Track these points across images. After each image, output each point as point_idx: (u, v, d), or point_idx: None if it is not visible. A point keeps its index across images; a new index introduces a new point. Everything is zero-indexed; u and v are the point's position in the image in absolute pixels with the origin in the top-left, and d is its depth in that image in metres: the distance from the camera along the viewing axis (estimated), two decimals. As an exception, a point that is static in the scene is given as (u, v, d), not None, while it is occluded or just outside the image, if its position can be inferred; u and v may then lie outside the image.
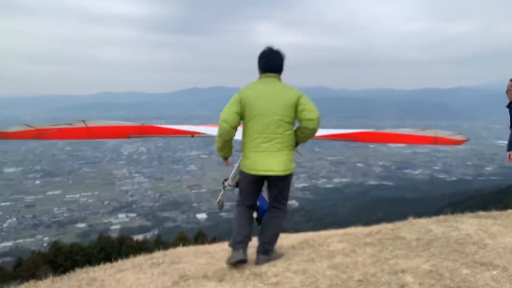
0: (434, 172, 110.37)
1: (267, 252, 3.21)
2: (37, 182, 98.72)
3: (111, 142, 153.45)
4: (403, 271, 2.49)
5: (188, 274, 3.15)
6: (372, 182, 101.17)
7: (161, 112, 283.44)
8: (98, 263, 5.76)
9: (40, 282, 4.69)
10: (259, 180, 3.22)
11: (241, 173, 3.31)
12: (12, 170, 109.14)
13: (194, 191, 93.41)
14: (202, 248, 4.99)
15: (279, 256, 3.29)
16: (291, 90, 3.15)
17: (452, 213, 4.15)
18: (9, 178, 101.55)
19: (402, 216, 4.81)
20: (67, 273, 5.00)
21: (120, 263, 4.97)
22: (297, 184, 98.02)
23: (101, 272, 4.50)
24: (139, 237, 35.59)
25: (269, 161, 3.07)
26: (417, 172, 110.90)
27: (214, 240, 20.33)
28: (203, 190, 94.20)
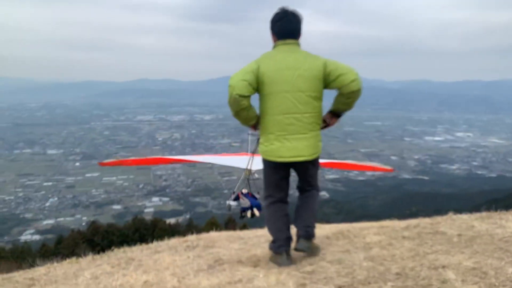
0: (472, 167, 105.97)
1: (310, 236, 2.87)
2: (77, 164, 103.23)
3: (147, 128, 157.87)
4: (444, 267, 2.41)
5: (223, 258, 3.20)
6: (406, 176, 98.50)
7: (194, 100, 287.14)
8: (133, 244, 5.98)
9: (81, 259, 4.92)
10: (286, 167, 2.84)
11: (263, 161, 2.89)
12: (54, 152, 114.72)
13: (225, 178, 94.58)
14: (235, 234, 5.04)
15: (318, 249, 2.97)
16: (316, 58, 2.72)
17: (495, 210, 3.96)
18: (51, 159, 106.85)
19: (437, 212, 4.65)
20: (106, 252, 5.22)
21: (156, 245, 5.12)
22: (328, 175, 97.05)
23: (138, 252, 4.66)
24: (172, 220, 36.61)
25: (297, 145, 2.69)
26: (454, 167, 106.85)
27: (244, 227, 20.58)
28: (233, 178, 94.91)
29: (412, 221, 3.78)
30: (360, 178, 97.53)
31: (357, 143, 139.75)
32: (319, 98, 2.74)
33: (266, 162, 2.86)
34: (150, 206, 74.60)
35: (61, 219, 66.99)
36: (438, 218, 3.76)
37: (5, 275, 4.64)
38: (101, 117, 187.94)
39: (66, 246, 24.99)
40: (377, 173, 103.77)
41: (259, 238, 4.06)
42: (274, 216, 2.89)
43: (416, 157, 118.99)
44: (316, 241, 3.40)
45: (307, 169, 2.87)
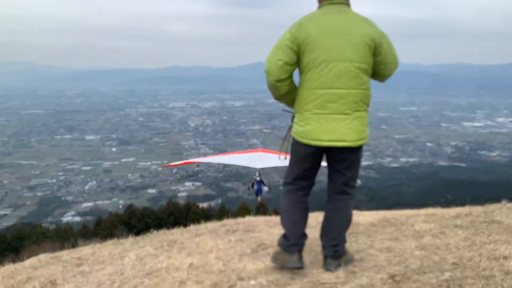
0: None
1: (338, 256, 2.38)
2: (113, 149, 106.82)
3: (179, 115, 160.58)
4: (505, 258, 2.25)
5: (266, 243, 3.16)
6: (442, 163, 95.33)
7: (226, 86, 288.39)
8: (168, 227, 6.08)
9: (123, 240, 5.05)
10: (320, 153, 2.32)
11: (294, 143, 2.37)
12: (92, 137, 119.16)
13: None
14: (273, 219, 5.00)
15: (350, 259, 2.46)
16: (371, 25, 2.24)
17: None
18: (89, 145, 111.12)
19: (474, 200, 4.43)
20: (146, 234, 5.33)
21: (195, 228, 5.17)
22: (361, 162, 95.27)
23: (179, 235, 4.72)
24: (204, 204, 37.38)
25: (338, 127, 2.20)
26: (494, 153, 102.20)
27: (276, 213, 20.64)
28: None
29: (463, 209, 3.59)
30: (394, 164, 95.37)
31: (391, 129, 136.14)
32: (368, 72, 2.26)
33: (297, 145, 2.35)
34: (183, 190, 76.37)
35: (99, 202, 69.87)
36: (491, 207, 3.55)
37: (52, 254, 4.83)
38: (135, 103, 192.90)
39: (104, 227, 26.09)
40: (412, 159, 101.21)
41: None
42: (291, 206, 2.43)
43: (453, 143, 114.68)
44: (361, 228, 3.30)
45: (346, 162, 2.33)
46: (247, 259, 2.75)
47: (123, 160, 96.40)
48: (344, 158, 2.32)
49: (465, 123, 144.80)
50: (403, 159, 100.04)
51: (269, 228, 4.03)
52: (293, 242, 2.38)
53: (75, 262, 3.73)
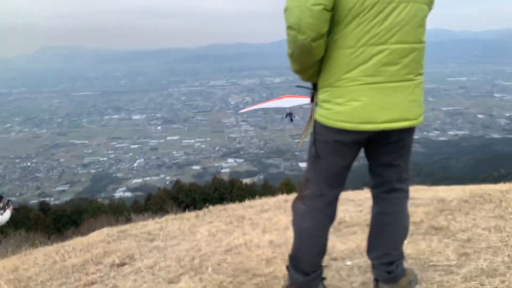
0: None
1: (394, 279, 1.69)
2: (159, 128, 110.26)
3: (220, 93, 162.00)
4: None
5: (347, 220, 2.96)
6: (495, 136, 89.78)
7: (265, 62, 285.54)
8: (214, 202, 6.01)
9: (186, 215, 5.05)
10: (364, 141, 1.58)
11: (323, 132, 1.58)
12: (138, 117, 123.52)
13: (296, 140, 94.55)
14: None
15: (413, 281, 1.76)
16: None
17: None
18: (136, 124, 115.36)
19: None
20: (208, 209, 5.30)
21: (257, 203, 5.06)
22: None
23: (242, 210, 4.63)
24: (247, 180, 37.81)
25: (400, 100, 1.51)
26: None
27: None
28: (305, 140, 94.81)
29: None
30: (442, 138, 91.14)
31: (438, 101, 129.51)
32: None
33: (329, 133, 1.55)
34: (226, 167, 77.72)
35: (148, 178, 72.88)
36: None
37: (117, 228, 4.92)
38: (177, 83, 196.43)
39: (154, 202, 27.16)
40: (461, 132, 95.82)
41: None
42: (317, 232, 1.67)
43: (507, 114, 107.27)
44: (453, 205, 2.99)
45: (400, 149, 1.65)
46: (333, 238, 2.55)
47: (168, 138, 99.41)
48: (399, 144, 1.63)
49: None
50: (451, 132, 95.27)
51: (340, 205, 3.81)
52: (308, 269, 1.67)
53: (146, 237, 3.73)
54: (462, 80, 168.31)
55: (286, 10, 1.45)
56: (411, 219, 2.75)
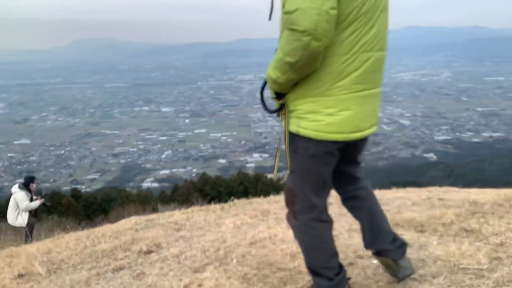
0: None
1: (405, 252, 1.76)
2: (187, 121, 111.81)
3: (247, 87, 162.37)
4: None
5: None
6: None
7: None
8: (238, 196, 6.01)
9: (212, 207, 5.11)
10: (343, 148, 1.56)
11: (307, 145, 1.52)
12: (167, 109, 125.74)
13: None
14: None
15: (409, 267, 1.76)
16: None
17: None
18: (165, 116, 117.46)
19: None
20: (233, 202, 5.34)
21: (282, 199, 5.06)
22: (438, 136, 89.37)
23: (267, 205, 4.64)
24: (272, 175, 37.77)
25: (376, 106, 1.58)
26: None
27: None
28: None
29: None
30: (475, 139, 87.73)
31: (473, 101, 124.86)
32: None
33: (316, 146, 1.50)
34: (251, 161, 77.92)
35: (175, 170, 74.14)
36: None
37: (145, 217, 5.04)
38: (206, 77, 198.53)
39: (181, 193, 27.64)
40: (496, 134, 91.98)
41: (401, 200, 3.67)
42: (322, 239, 1.62)
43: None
44: (486, 208, 2.89)
45: (364, 146, 1.71)
46: (358, 235, 2.53)
47: (196, 131, 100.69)
48: (365, 143, 1.68)
49: None
50: (485, 134, 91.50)
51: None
52: (339, 278, 1.63)
53: (173, 226, 3.81)
54: (500, 80, 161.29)
55: (296, 11, 1.29)
56: (441, 220, 2.69)
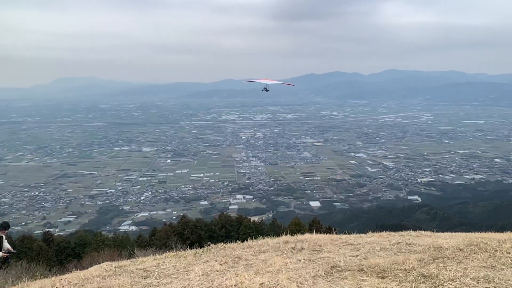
0: None
1: None
2: (168, 161, 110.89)
3: (231, 127, 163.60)
4: None
5: (340, 265, 2.95)
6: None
7: (278, 98, 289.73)
8: (220, 240, 5.94)
9: (185, 253, 5.03)
10: None
11: None
12: (148, 149, 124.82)
13: (307, 178, 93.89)
14: (337, 237, 4.75)
15: None
16: None
17: None
18: (146, 156, 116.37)
19: None
20: (207, 248, 5.28)
21: (257, 244, 5.05)
22: (421, 178, 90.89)
23: (240, 250, 4.62)
24: (255, 218, 37.31)
25: None
26: None
27: (329, 230, 19.99)
28: (317, 178, 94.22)
29: None
30: (458, 181, 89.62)
31: (454, 143, 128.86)
32: None
33: None
34: (234, 203, 77.03)
35: (154, 212, 72.49)
36: None
37: (116, 263, 4.92)
38: (190, 116, 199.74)
39: (159, 237, 26.86)
40: (478, 176, 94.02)
41: (371, 245, 3.73)
42: None
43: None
44: (448, 253, 2.97)
45: None
46: (323, 282, 2.55)
47: (177, 171, 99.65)
48: None
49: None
50: (468, 176, 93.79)
51: (338, 248, 3.80)
52: None
53: (141, 273, 3.74)
54: (478, 123, 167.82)
55: None
56: (404, 266, 2.76)
